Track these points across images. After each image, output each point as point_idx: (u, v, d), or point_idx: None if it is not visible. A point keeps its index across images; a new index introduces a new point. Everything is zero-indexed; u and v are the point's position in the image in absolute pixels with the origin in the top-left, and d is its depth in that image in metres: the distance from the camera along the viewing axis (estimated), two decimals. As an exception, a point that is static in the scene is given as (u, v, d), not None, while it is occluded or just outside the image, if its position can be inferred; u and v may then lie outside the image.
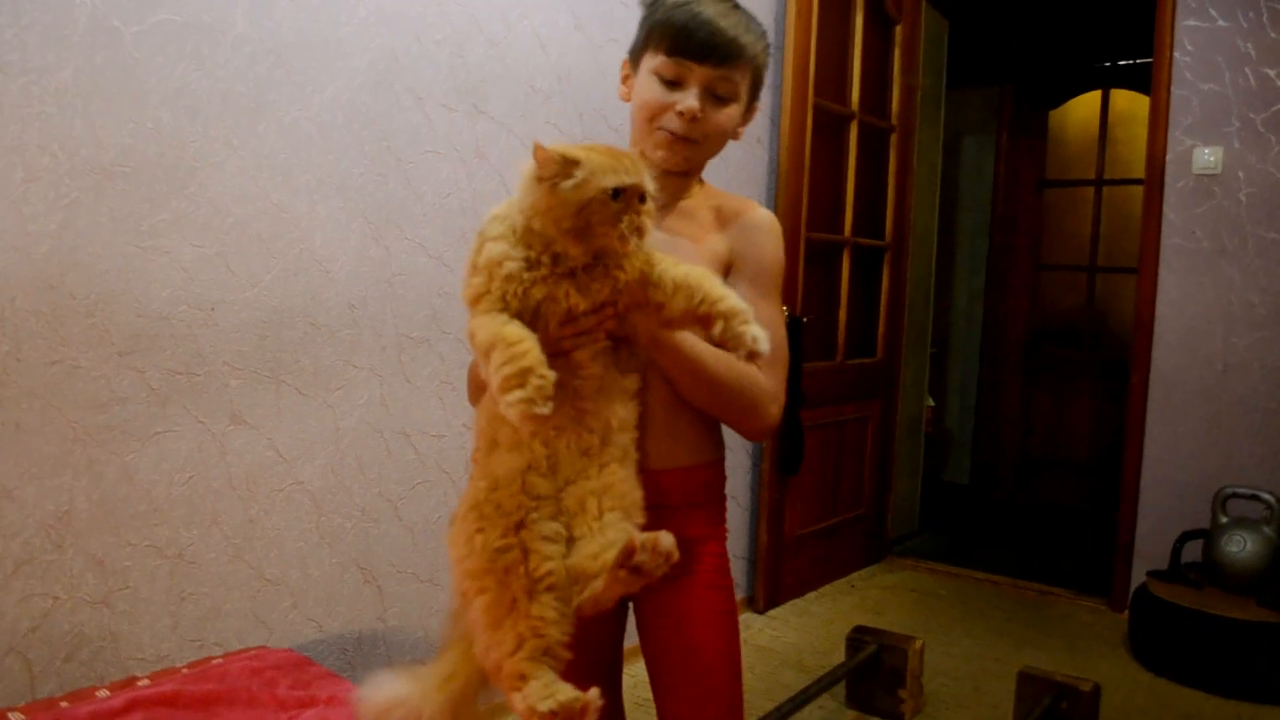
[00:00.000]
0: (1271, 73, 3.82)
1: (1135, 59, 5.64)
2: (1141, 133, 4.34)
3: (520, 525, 1.15)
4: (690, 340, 1.31)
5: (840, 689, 3.11)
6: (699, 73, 1.39)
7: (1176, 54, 4.01)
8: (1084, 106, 6.01)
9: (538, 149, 1.13)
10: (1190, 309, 4.01)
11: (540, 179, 1.14)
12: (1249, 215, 3.87)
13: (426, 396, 2.64)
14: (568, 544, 1.17)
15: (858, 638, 3.04)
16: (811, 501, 4.11)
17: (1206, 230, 3.97)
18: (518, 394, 1.05)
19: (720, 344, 1.18)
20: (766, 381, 1.39)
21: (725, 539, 1.50)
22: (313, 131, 2.33)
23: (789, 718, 2.58)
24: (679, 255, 1.27)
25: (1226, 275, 3.93)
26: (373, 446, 2.52)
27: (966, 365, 6.46)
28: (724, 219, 1.48)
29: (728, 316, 1.15)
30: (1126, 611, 3.82)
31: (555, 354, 1.17)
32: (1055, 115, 6.12)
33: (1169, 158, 4.04)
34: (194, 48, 2.09)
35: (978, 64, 6.04)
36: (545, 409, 1.06)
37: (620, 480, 1.21)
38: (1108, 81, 5.88)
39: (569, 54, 2.97)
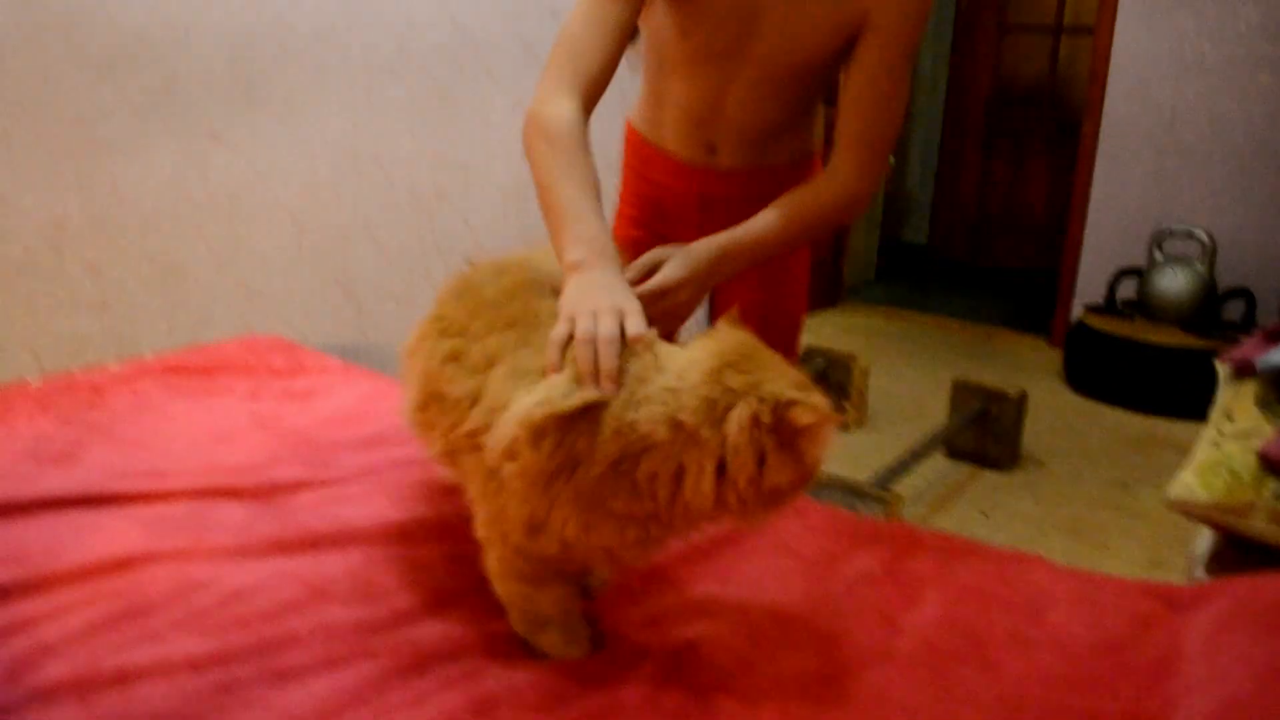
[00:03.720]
0: None
1: None
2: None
3: None
4: (746, 249, 1.30)
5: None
6: None
7: None
8: None
9: None
10: (1143, 59, 4.09)
11: None
12: (1208, -41, 3.91)
13: (395, 123, 2.72)
14: None
15: (807, 355, 3.27)
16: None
17: (1166, -22, 4.00)
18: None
19: None
20: (846, 177, 1.37)
21: None
22: None
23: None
24: None
25: (1181, 25, 3.99)
26: (347, 171, 2.62)
27: (929, 128, 6.53)
28: None
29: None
30: (1063, 346, 4.08)
31: None
32: None
33: (1134, -99, 4.03)
34: None
35: None
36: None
37: None
38: None
39: None
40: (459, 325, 1.11)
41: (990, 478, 2.96)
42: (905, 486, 2.75)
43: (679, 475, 0.93)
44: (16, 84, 1.97)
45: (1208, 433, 1.46)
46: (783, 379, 0.94)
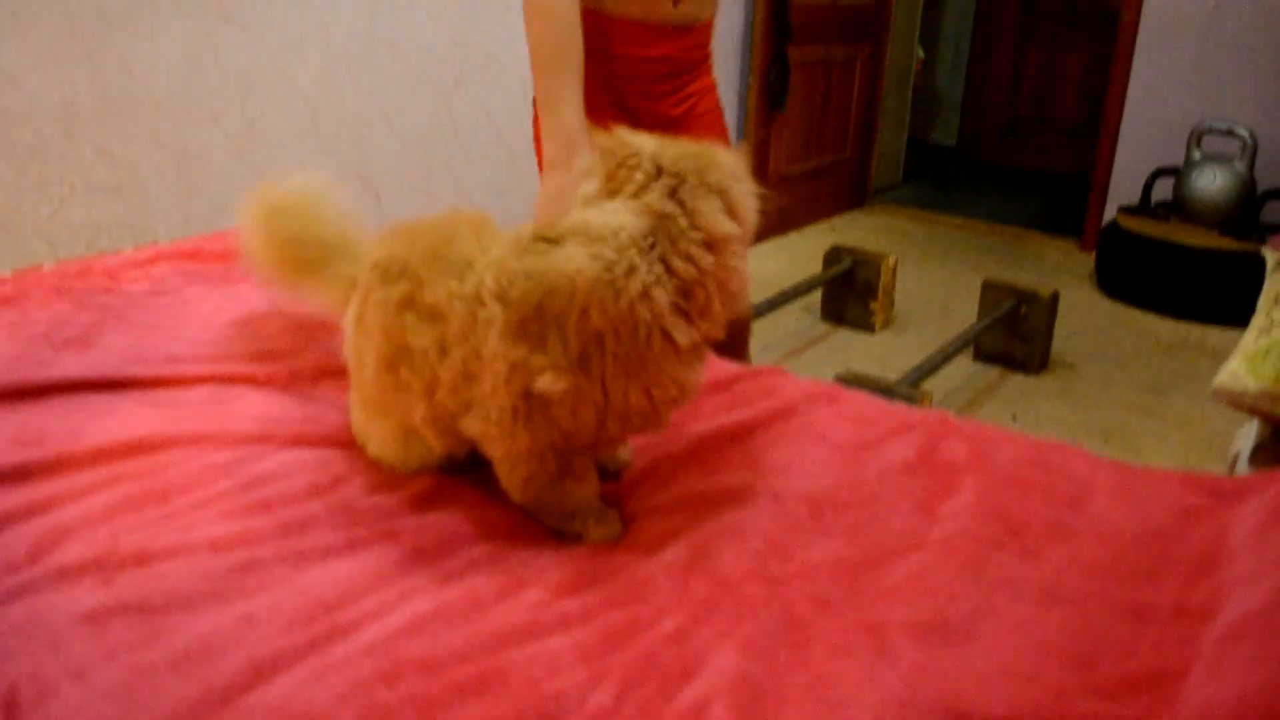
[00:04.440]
0: None
1: None
2: None
3: None
4: None
5: (816, 304, 3.31)
6: None
7: None
8: None
9: None
10: (1191, -57, 3.92)
11: None
12: None
13: (412, 6, 2.64)
14: None
15: (834, 254, 3.20)
16: (796, 141, 4.18)
17: None
18: None
19: None
20: None
21: None
22: None
23: (764, 316, 2.77)
24: None
25: (1231, -97, 3.82)
26: (362, 54, 2.55)
27: (961, 18, 6.32)
28: None
29: None
30: (1095, 250, 3.99)
31: None
32: None
33: None
34: None
35: None
36: None
37: None
38: None
39: None
40: (400, 266, 1.07)
41: (1020, 380, 2.92)
42: (933, 387, 2.70)
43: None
44: (22, -40, 1.91)
45: (1257, 320, 1.40)
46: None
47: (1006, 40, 6.03)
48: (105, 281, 1.64)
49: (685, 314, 0.99)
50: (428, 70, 2.72)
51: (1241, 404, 1.35)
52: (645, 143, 1.04)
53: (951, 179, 5.77)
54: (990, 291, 2.95)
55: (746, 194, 1.03)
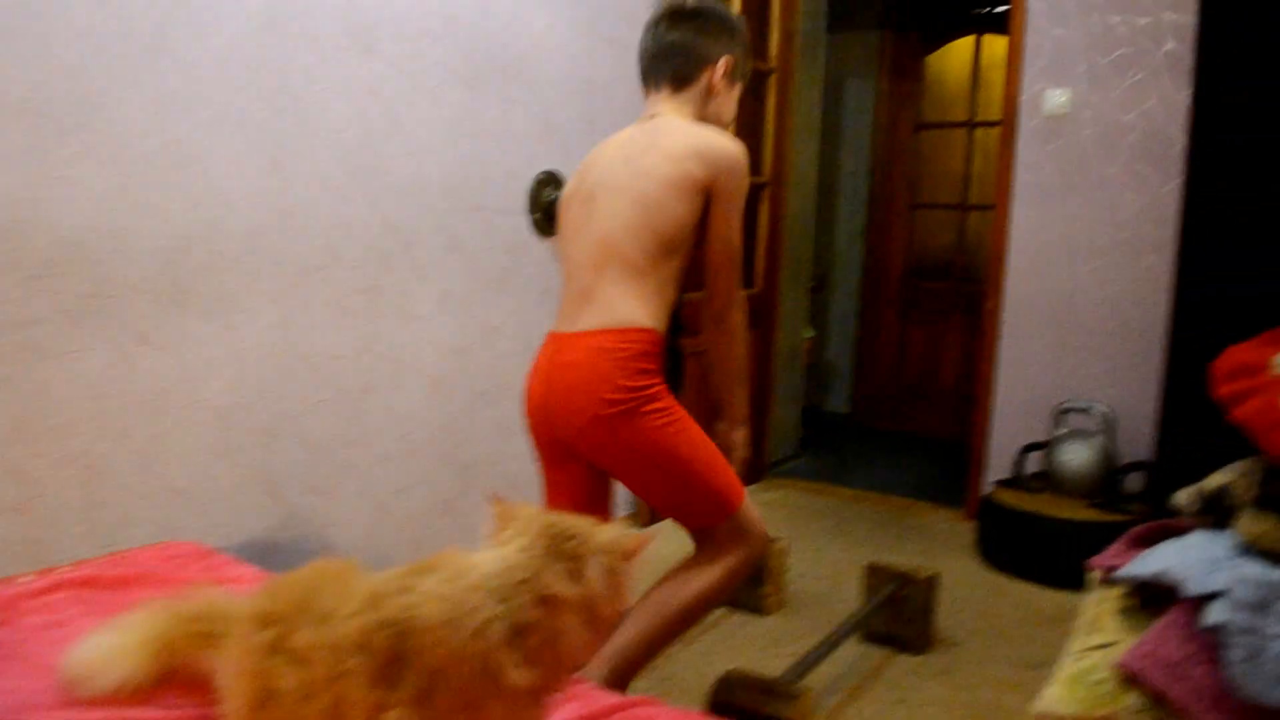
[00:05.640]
0: (1116, 19, 4.14)
1: (1005, 4, 5.96)
2: (1003, 77, 4.65)
3: None
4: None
5: (713, 587, 3.41)
6: None
7: (1030, 0, 4.32)
8: (959, 51, 6.33)
9: None
10: (1040, 240, 4.36)
11: None
12: (1092, 152, 4.22)
13: (324, 320, 2.82)
14: None
15: (727, 539, 3.34)
16: (693, 423, 4.39)
17: (1055, 167, 4.31)
18: None
19: None
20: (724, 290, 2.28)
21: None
22: (212, 70, 2.48)
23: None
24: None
25: (1072, 209, 4.28)
26: (273, 367, 2.71)
27: (848, 300, 6.81)
28: None
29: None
30: (976, 520, 4.20)
31: None
32: (932, 59, 6.43)
33: (1023, 99, 4.36)
34: (94, -10, 2.23)
35: (858, 8, 6.32)
36: None
37: None
38: (981, 26, 6.20)
39: (456, -2, 3.14)
40: (271, 615, 1.16)
41: (905, 661, 3.02)
42: (821, 673, 2.80)
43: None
44: (-51, 297, 2.04)
45: (1073, 643, 1.55)
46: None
47: (890, 317, 6.50)
48: (2, 613, 1.69)
49: (523, 656, 1.10)
50: (337, 379, 2.88)
51: (1062, 728, 1.47)
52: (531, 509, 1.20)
53: (845, 446, 6.04)
54: (874, 574, 3.10)
55: (601, 568, 1.16)
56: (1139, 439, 4.11)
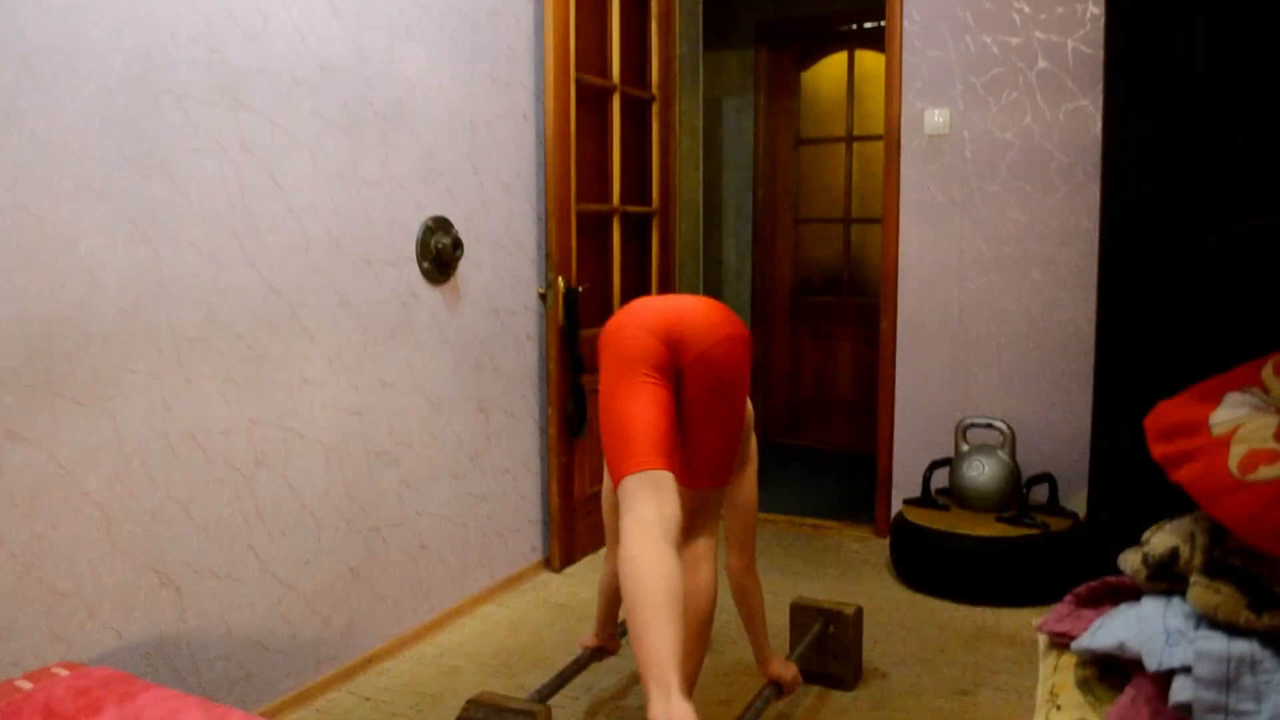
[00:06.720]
0: (988, 39, 4.21)
1: (877, 21, 6.04)
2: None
3: None
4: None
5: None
6: None
7: (906, 23, 4.37)
8: (833, 67, 6.39)
9: None
10: (930, 258, 4.41)
11: None
12: (974, 170, 4.29)
13: (209, 395, 2.66)
14: None
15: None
16: (598, 464, 4.31)
17: (939, 186, 4.36)
18: None
19: None
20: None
21: None
22: (69, 138, 2.30)
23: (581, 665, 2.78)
24: None
25: (958, 226, 4.34)
26: (158, 449, 2.53)
27: (739, 316, 6.80)
28: None
29: None
30: (889, 537, 4.21)
31: None
32: (807, 76, 6.48)
33: (904, 119, 4.41)
34: (-64, 62, 2.04)
35: (733, 27, 6.34)
36: None
37: None
38: (853, 43, 6.27)
39: (329, 43, 3.00)
40: None
41: (838, 698, 2.99)
42: (756, 721, 2.75)
43: None
44: None
45: (1037, 713, 1.52)
46: None
47: (781, 332, 6.54)
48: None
49: None
50: (227, 455, 2.71)
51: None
52: None
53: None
54: (799, 613, 3.06)
55: None
56: (1038, 451, 4.18)
